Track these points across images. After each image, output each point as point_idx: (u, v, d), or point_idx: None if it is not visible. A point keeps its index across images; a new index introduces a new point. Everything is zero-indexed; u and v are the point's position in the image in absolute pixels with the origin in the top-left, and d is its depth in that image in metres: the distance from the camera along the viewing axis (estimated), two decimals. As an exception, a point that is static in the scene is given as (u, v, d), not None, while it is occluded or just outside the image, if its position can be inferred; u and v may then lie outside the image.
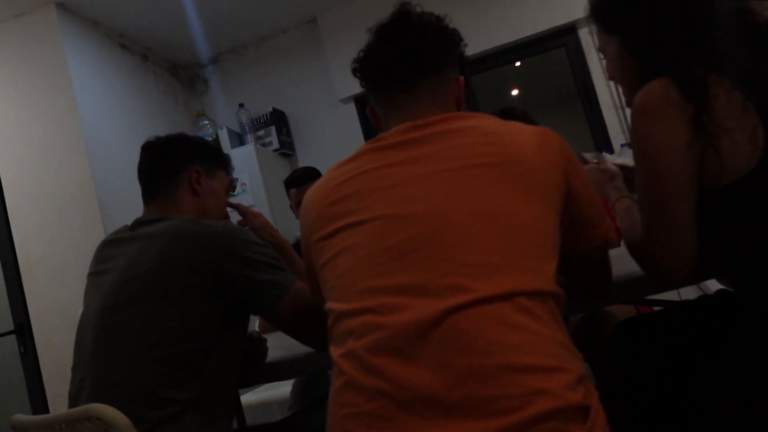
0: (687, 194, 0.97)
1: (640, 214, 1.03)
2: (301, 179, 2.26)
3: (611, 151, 3.47)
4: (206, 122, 3.76)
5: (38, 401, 3.06)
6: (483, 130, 0.92)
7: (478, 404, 0.72)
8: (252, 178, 3.41)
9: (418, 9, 1.06)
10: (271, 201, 3.48)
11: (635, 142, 1.01)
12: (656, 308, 1.64)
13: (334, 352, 0.85)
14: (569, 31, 3.61)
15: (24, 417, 1.16)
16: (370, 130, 3.92)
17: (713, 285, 1.34)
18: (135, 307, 1.14)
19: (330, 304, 0.90)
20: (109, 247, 1.29)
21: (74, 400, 1.18)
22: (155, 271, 1.15)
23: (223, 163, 1.46)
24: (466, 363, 0.74)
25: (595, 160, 1.40)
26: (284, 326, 1.23)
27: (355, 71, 1.10)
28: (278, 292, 1.18)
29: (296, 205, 2.27)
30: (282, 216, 3.59)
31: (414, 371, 0.75)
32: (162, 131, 3.88)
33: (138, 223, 1.29)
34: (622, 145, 3.40)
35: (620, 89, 1.21)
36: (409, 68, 1.02)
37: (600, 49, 1.23)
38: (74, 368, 1.23)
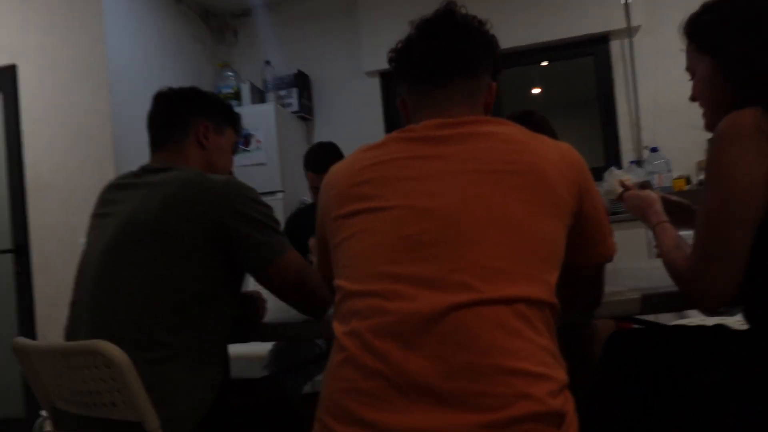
0: (752, 225, 0.98)
1: (695, 236, 1.04)
2: (320, 166, 2.26)
3: (620, 165, 3.50)
4: (230, 74, 3.76)
5: (27, 322, 3.12)
6: (508, 137, 0.95)
7: (468, 398, 0.78)
8: (267, 136, 3.43)
9: (463, 10, 1.08)
10: (283, 162, 3.50)
11: (713, 166, 1.01)
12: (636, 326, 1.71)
13: (338, 328, 0.89)
14: (602, 40, 3.61)
15: (26, 341, 1.20)
16: (390, 107, 3.93)
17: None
18: (134, 252, 1.16)
19: (339, 282, 0.93)
20: (115, 190, 1.30)
21: (71, 335, 1.21)
22: (158, 219, 1.17)
23: (232, 121, 1.46)
24: (463, 359, 0.79)
25: (631, 183, 1.42)
26: (272, 288, 1.26)
27: (391, 60, 1.11)
28: (271, 254, 1.21)
29: (312, 189, 2.28)
30: (291, 176, 3.63)
31: (413, 358, 0.80)
32: (185, 75, 3.91)
33: (144, 170, 1.30)
34: (631, 162, 3.44)
35: (702, 111, 1.19)
36: (448, 66, 1.04)
37: (688, 68, 1.20)
38: (72, 304, 1.26)
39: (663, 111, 3.49)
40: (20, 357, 1.23)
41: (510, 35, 3.60)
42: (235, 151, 1.49)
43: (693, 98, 1.20)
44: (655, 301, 1.20)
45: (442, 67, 1.04)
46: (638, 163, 3.39)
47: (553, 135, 1.71)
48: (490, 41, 1.08)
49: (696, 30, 1.16)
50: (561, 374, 0.84)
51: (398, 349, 0.81)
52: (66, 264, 3.05)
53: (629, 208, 1.36)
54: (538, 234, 0.89)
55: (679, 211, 1.36)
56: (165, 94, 1.40)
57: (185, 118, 1.35)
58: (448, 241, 0.87)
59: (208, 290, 1.18)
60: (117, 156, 3.01)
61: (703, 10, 1.15)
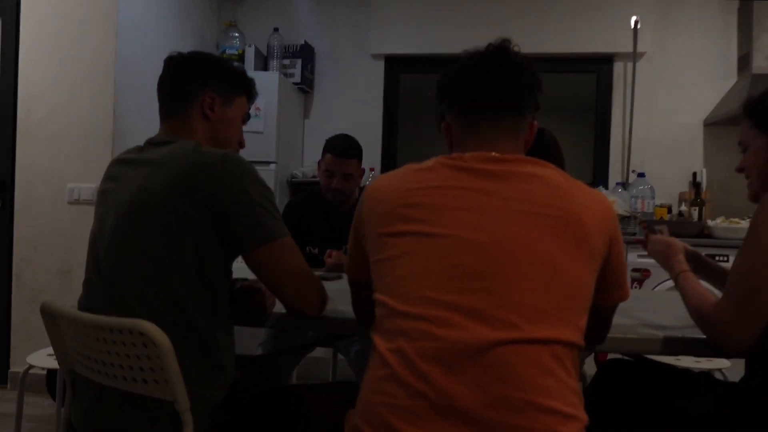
0: None
1: (729, 284, 1.14)
2: (343, 151, 2.28)
3: (606, 184, 3.63)
4: (236, 34, 3.70)
5: (3, 262, 3.08)
6: (551, 182, 1.01)
7: (503, 429, 0.86)
8: (268, 105, 3.41)
9: (516, 48, 1.13)
10: (281, 131, 3.50)
11: (756, 232, 1.12)
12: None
13: (381, 344, 0.95)
14: (606, 60, 3.70)
15: (56, 307, 1.22)
16: (391, 91, 3.95)
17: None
18: (139, 234, 1.18)
19: (383, 298, 0.99)
20: (119, 166, 1.31)
21: (88, 309, 1.22)
22: (157, 200, 1.17)
23: (245, 89, 1.41)
24: (501, 392, 0.87)
25: (659, 230, 1.50)
26: (260, 274, 1.23)
27: (442, 86, 1.15)
28: (264, 236, 1.18)
29: (325, 171, 2.30)
30: (285, 148, 3.63)
31: (456, 384, 0.87)
32: (189, 31, 3.83)
33: (149, 143, 1.31)
34: (617, 183, 3.57)
35: (748, 182, 1.30)
36: (499, 103, 1.09)
37: (741, 141, 1.31)
38: (86, 282, 1.27)
39: (654, 138, 3.62)
40: (46, 319, 1.25)
41: (519, 40, 3.65)
42: (245, 120, 1.44)
43: (740, 169, 1.31)
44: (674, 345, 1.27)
45: (493, 103, 1.09)
46: (624, 185, 3.52)
47: (560, 155, 1.77)
48: (537, 81, 1.13)
49: (757, 110, 1.26)
50: (584, 415, 0.93)
51: (442, 373, 0.88)
52: (50, 207, 3.01)
53: (652, 251, 1.44)
54: (575, 280, 0.96)
55: (696, 263, 1.45)
56: (174, 61, 1.36)
57: (192, 89, 1.33)
58: (494, 277, 0.93)
59: (214, 269, 1.19)
60: (116, 107, 2.95)
61: (767, 93, 1.26)
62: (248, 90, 1.42)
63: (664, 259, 1.37)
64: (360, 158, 2.35)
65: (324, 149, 2.33)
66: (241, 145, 1.43)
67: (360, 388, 0.98)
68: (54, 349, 1.28)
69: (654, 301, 1.66)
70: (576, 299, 0.97)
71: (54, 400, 2.62)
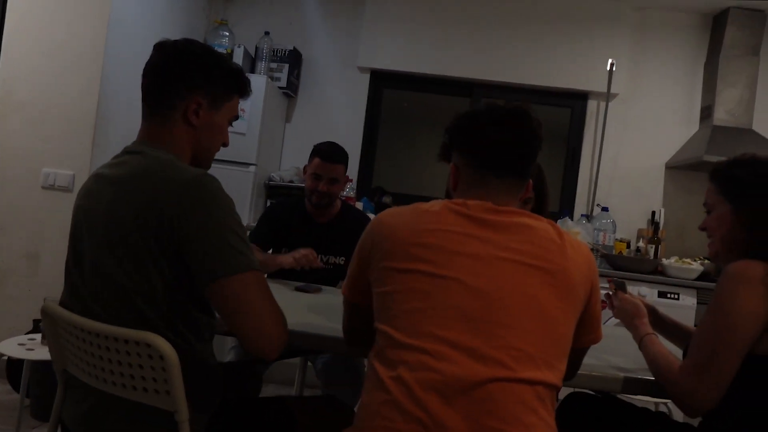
0: (743, 353, 1.19)
1: (692, 348, 1.23)
2: (330, 157, 2.36)
3: (572, 215, 3.79)
4: (226, 33, 3.71)
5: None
6: (545, 236, 1.12)
7: None
8: (253, 108, 3.44)
9: (534, 114, 1.22)
10: (262, 135, 3.53)
11: (723, 297, 1.21)
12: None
13: (382, 371, 1.04)
14: (582, 97, 3.87)
15: (58, 309, 1.23)
16: (373, 104, 4.02)
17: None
18: (107, 260, 1.17)
19: (386, 328, 1.07)
20: (95, 181, 1.27)
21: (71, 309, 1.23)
22: (121, 234, 1.15)
23: (239, 90, 1.32)
24: (490, 424, 0.97)
25: (629, 291, 1.58)
26: (217, 308, 1.17)
27: (457, 133, 1.24)
28: (218, 271, 1.12)
29: (312, 175, 2.37)
30: (266, 151, 3.66)
31: (450, 414, 0.97)
32: (178, 26, 3.82)
33: (125, 152, 1.27)
34: (582, 215, 3.73)
35: (710, 241, 1.39)
36: (510, 163, 1.19)
37: (706, 203, 1.39)
38: (71, 287, 1.26)
39: (619, 175, 3.81)
40: (46, 320, 1.28)
41: (501, 69, 3.79)
42: (232, 122, 1.36)
43: (703, 228, 1.40)
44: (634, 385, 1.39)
45: (506, 164, 1.19)
46: (588, 218, 3.69)
47: (544, 184, 1.83)
48: (540, 146, 1.22)
49: (724, 179, 1.35)
50: None
51: (439, 403, 0.98)
52: (24, 190, 2.96)
53: (618, 313, 1.53)
54: (561, 330, 1.07)
55: (654, 317, 1.56)
56: (164, 50, 1.27)
57: (177, 89, 1.24)
58: (489, 319, 1.03)
59: (183, 297, 1.18)
60: (101, 96, 2.94)
61: (735, 163, 1.35)
62: (242, 90, 1.33)
63: (630, 320, 1.47)
64: (346, 165, 2.44)
65: (312, 153, 2.40)
66: (225, 144, 1.36)
67: (354, 412, 1.06)
68: (50, 348, 1.30)
69: (613, 339, 1.78)
70: (560, 345, 1.07)
71: (16, 391, 2.60)
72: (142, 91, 1.28)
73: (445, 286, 1.05)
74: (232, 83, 1.32)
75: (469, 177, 1.22)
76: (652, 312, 1.57)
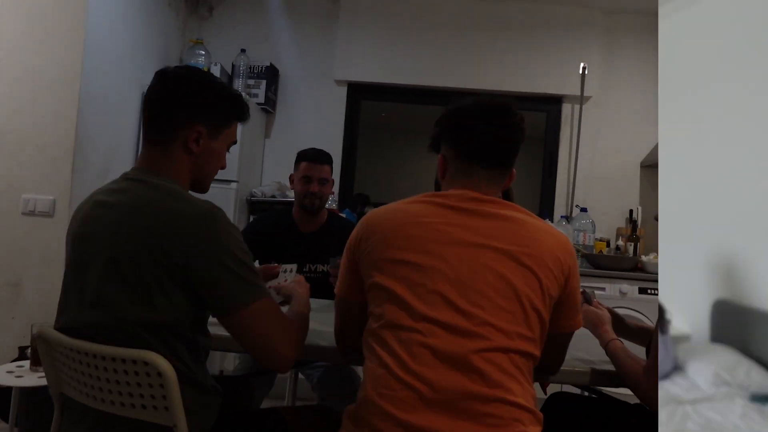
0: None
1: (652, 351, 1.32)
2: (317, 158, 2.42)
3: (552, 217, 3.86)
4: (202, 52, 3.73)
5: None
6: (522, 223, 1.22)
7: (478, 415, 1.09)
8: (232, 124, 3.45)
9: (517, 109, 1.31)
10: (243, 151, 3.54)
11: None
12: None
13: (379, 349, 1.15)
14: (556, 101, 3.96)
15: (53, 333, 1.23)
16: (351, 116, 4.06)
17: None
18: (116, 290, 1.17)
19: (379, 310, 1.18)
20: (96, 208, 1.27)
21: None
22: (127, 263, 1.16)
23: (238, 116, 1.35)
24: (477, 389, 1.10)
25: (595, 300, 1.68)
26: (234, 335, 1.23)
27: (446, 125, 1.33)
28: (234, 303, 1.18)
29: (302, 179, 2.41)
30: (246, 167, 3.67)
31: (441, 381, 1.10)
32: (155, 46, 3.79)
33: (125, 179, 1.28)
34: (561, 216, 3.80)
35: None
36: (496, 157, 1.28)
37: None
38: (65, 306, 1.27)
39: (596, 176, 3.89)
40: (41, 345, 1.28)
41: (477, 77, 3.86)
42: (230, 147, 1.40)
43: None
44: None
45: (491, 156, 1.28)
46: (568, 219, 3.76)
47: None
48: (523, 139, 1.31)
49: None
50: (540, 415, 1.15)
51: (430, 371, 1.10)
52: (3, 217, 2.92)
53: (584, 320, 1.57)
54: (535, 305, 1.18)
55: (622, 328, 1.67)
56: (167, 78, 1.29)
57: (179, 117, 1.27)
58: (470, 301, 1.14)
59: (187, 325, 1.20)
60: (79, 118, 2.92)
61: None
62: (241, 116, 1.37)
63: (594, 329, 1.56)
64: (331, 167, 2.50)
65: (297, 159, 2.46)
66: (222, 167, 1.39)
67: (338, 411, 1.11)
68: (45, 373, 1.30)
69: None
70: (535, 320, 1.18)
71: (5, 420, 2.55)
72: (144, 119, 1.32)
73: (429, 273, 1.16)
74: (233, 109, 1.35)
75: (456, 167, 1.30)
76: (616, 318, 1.66)
